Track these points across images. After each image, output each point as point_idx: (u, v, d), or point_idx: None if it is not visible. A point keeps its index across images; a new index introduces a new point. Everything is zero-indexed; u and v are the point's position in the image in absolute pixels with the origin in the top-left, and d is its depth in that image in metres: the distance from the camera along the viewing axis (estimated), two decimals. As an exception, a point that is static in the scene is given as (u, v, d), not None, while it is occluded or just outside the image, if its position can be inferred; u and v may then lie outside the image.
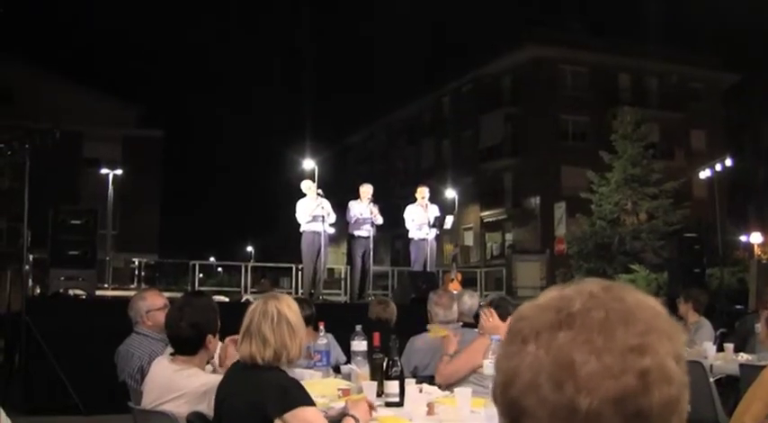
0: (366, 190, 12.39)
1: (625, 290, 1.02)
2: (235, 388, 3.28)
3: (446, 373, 4.76)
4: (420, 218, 12.64)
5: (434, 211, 12.77)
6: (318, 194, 12.00)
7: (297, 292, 18.33)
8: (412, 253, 12.87)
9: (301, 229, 12.16)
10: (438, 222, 12.73)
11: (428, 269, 12.57)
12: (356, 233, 12.42)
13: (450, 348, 5.00)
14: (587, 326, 0.96)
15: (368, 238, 12.38)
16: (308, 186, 12.30)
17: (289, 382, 3.22)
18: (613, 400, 0.91)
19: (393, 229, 13.21)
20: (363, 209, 12.27)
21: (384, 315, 6.69)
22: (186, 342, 3.77)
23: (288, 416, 3.03)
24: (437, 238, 13.06)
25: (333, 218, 12.27)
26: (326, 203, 12.09)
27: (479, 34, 63.05)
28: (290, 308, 3.36)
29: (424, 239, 12.63)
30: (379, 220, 12.39)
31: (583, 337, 0.94)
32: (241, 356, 3.31)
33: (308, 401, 3.14)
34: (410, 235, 12.84)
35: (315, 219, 11.96)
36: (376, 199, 12.49)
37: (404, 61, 79.29)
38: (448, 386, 4.52)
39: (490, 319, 4.69)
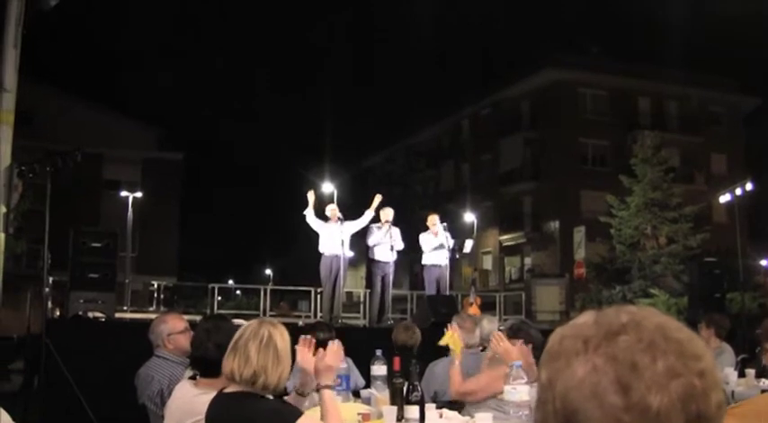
0: (386, 213, 12.39)
1: (653, 309, 1.08)
2: (223, 418, 3.26)
3: (462, 391, 4.73)
4: (431, 244, 12.60)
5: (446, 237, 12.67)
6: (339, 219, 12.03)
7: (316, 316, 18.32)
8: (425, 279, 12.86)
9: (320, 251, 12.19)
10: (457, 246, 12.70)
11: (442, 293, 12.52)
12: (376, 257, 12.40)
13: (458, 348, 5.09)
14: (645, 332, 1.01)
15: (387, 262, 12.37)
16: (330, 209, 12.36)
17: (276, 403, 3.27)
18: (680, 399, 0.95)
19: (412, 253, 13.19)
20: (383, 233, 12.26)
21: (409, 342, 6.57)
22: (212, 363, 3.76)
23: None
24: (451, 262, 13.00)
25: (361, 223, 12.30)
26: (346, 226, 12.11)
27: (498, 58, 63.24)
28: (282, 336, 3.34)
29: (436, 265, 12.59)
30: (399, 245, 12.38)
31: (645, 343, 0.99)
32: (223, 371, 3.31)
33: (298, 413, 3.18)
34: (423, 261, 12.84)
35: (333, 242, 11.99)
36: (395, 223, 12.47)
37: (423, 84, 79.49)
38: (461, 405, 4.49)
39: (501, 342, 4.54)
